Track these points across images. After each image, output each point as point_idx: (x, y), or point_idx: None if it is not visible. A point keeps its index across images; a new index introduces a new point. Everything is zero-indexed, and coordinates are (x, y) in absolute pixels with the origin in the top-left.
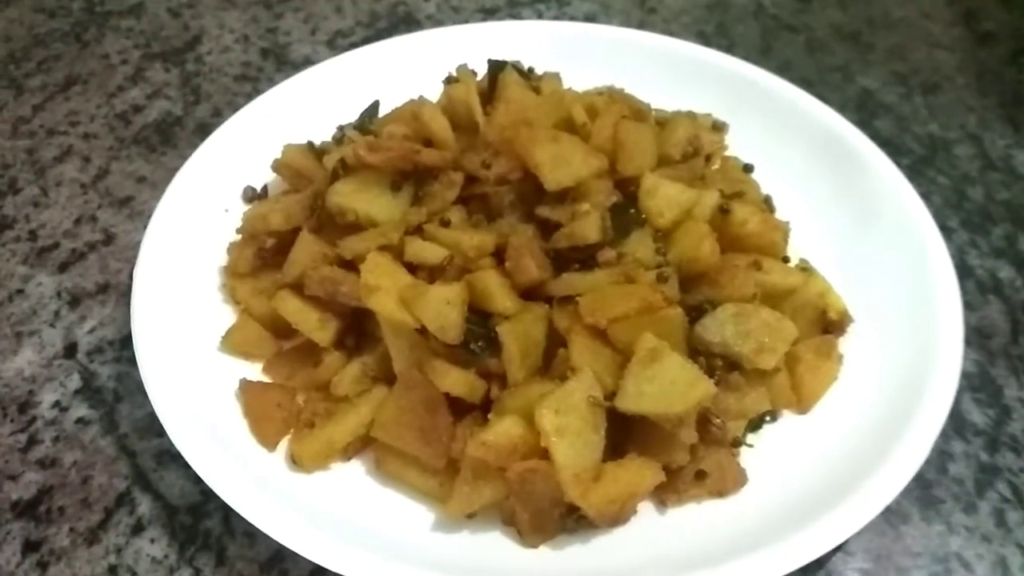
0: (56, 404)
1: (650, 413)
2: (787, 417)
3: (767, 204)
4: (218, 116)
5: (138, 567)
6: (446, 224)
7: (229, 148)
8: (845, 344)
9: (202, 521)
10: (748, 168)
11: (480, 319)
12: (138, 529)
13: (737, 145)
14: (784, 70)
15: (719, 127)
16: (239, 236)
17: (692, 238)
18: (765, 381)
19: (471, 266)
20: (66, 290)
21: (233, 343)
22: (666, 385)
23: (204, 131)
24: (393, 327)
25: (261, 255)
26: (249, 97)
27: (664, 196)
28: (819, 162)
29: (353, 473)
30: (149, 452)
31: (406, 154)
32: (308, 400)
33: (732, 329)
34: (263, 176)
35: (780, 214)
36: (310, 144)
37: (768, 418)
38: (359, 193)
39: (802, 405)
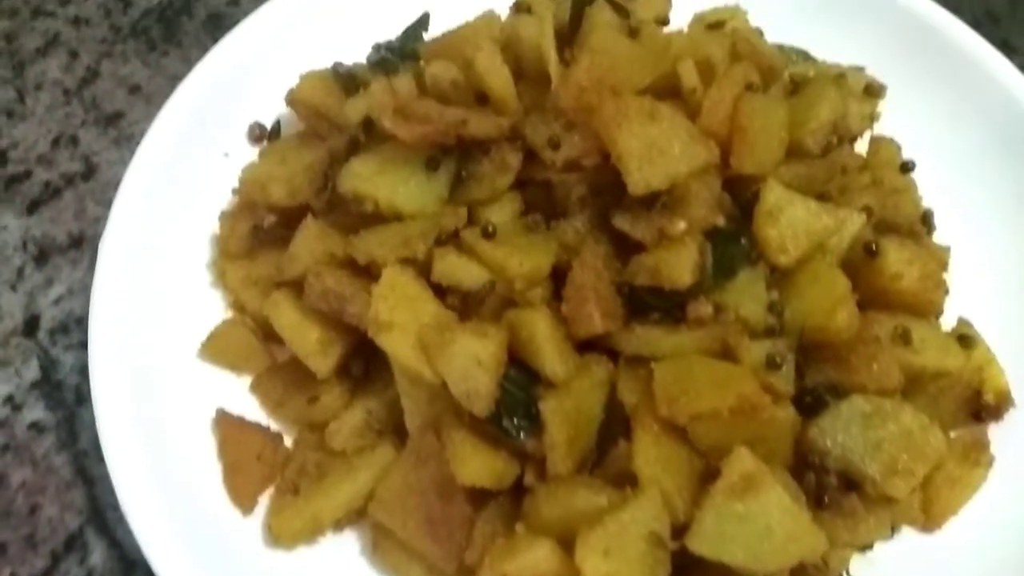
0: (8, 400)
1: (733, 564)
2: (907, 534)
3: (925, 222)
4: (235, 4)
5: None
6: (490, 235)
7: (242, 61)
8: (996, 434)
9: None
10: (907, 167)
11: (521, 377)
12: None
13: (889, 116)
14: None
15: (873, 91)
16: (234, 200)
17: (822, 297)
18: (890, 505)
19: (516, 297)
20: (33, 240)
21: (216, 350)
22: (760, 530)
23: (216, 24)
24: (407, 375)
25: (258, 235)
26: None
27: (791, 223)
28: (999, 154)
29: (345, 550)
30: (109, 481)
31: (449, 129)
32: (298, 443)
33: (859, 437)
34: (280, 104)
35: (939, 234)
36: (335, 71)
37: None
38: (382, 175)
39: (930, 523)
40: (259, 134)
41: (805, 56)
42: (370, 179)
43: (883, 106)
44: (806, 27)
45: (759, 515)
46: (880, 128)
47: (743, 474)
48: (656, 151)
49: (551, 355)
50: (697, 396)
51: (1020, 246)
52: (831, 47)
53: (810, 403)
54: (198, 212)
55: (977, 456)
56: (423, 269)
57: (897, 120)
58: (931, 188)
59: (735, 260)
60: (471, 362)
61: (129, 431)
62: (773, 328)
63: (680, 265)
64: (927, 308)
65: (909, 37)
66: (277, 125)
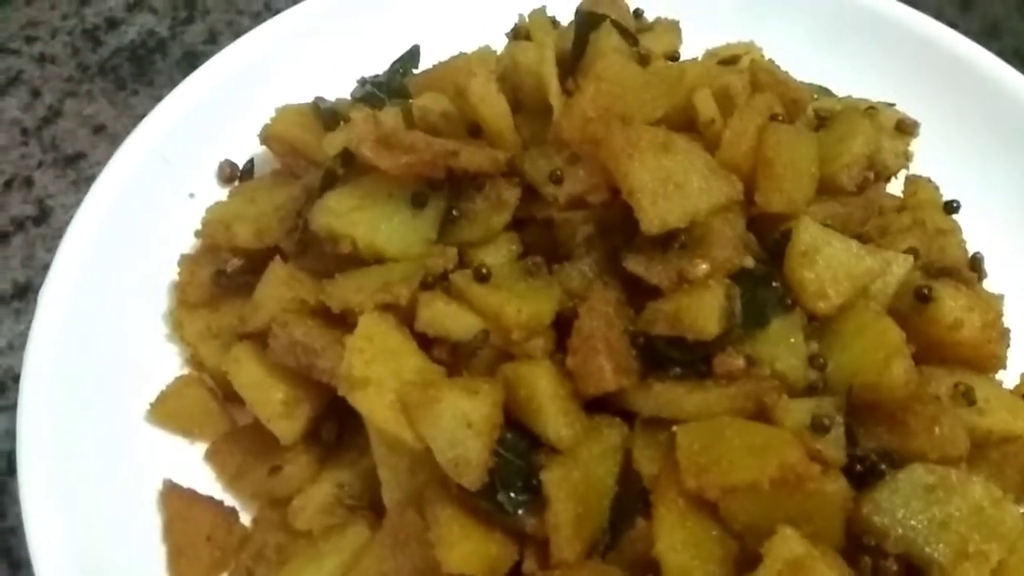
0: None
1: None
2: None
3: (975, 268)
4: (212, 43)
5: None
6: (484, 278)
7: (214, 97)
8: None
9: None
10: (952, 207)
11: (520, 442)
12: None
13: (923, 155)
14: (990, 36)
15: (906, 129)
16: (196, 244)
17: (872, 349)
18: None
19: (514, 349)
20: None
21: (167, 412)
22: None
23: (192, 63)
24: (386, 440)
25: (221, 281)
26: (258, 19)
27: (830, 264)
28: None
29: None
30: None
31: (437, 159)
32: (257, 522)
33: (922, 514)
34: (255, 143)
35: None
36: (315, 106)
37: None
38: (361, 212)
39: None
40: (230, 174)
41: (827, 93)
42: (347, 216)
43: (915, 146)
44: (826, 64)
45: None
46: (913, 170)
47: (789, 560)
48: (672, 185)
49: (555, 416)
50: (730, 465)
51: None
52: (853, 86)
53: (861, 473)
54: (157, 258)
55: None
56: (406, 317)
57: (930, 161)
58: (973, 232)
59: (767, 306)
60: (460, 424)
61: (56, 509)
62: (815, 385)
63: (704, 312)
64: (989, 363)
65: (938, 73)
66: (250, 165)
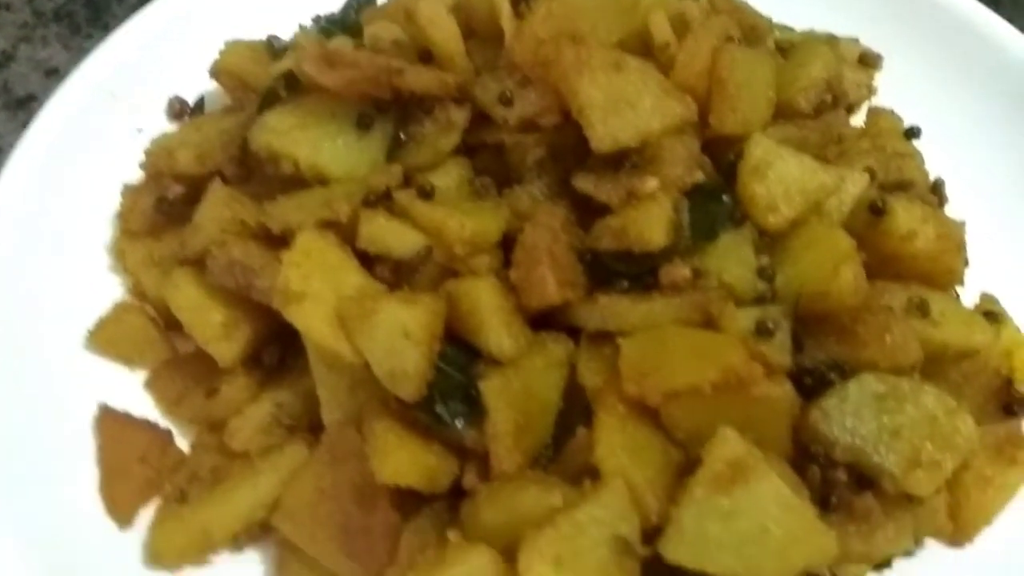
0: None
1: (718, 575)
2: (932, 547)
3: (936, 193)
4: None
5: None
6: (427, 194)
7: (165, 33)
8: None
9: None
10: (912, 133)
11: (461, 356)
12: None
13: (888, 90)
14: None
15: (869, 61)
16: (141, 175)
17: (822, 259)
18: (912, 507)
19: (458, 266)
20: None
21: (106, 339)
22: (753, 530)
23: None
24: (324, 357)
25: (163, 208)
26: None
27: (781, 179)
28: (1009, 125)
29: (245, 574)
30: None
31: (380, 74)
32: (195, 447)
33: (872, 422)
34: (205, 81)
35: (951, 207)
36: (269, 43)
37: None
38: (304, 130)
39: (959, 535)
40: (179, 110)
41: (790, 30)
42: (288, 134)
43: (879, 80)
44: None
45: (751, 511)
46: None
47: (730, 460)
48: (624, 103)
49: (496, 328)
50: (672, 370)
51: None
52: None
53: (811, 385)
54: (103, 191)
55: (1013, 453)
56: (348, 237)
57: (894, 95)
58: (937, 164)
59: (716, 220)
60: (397, 334)
61: None
62: (764, 295)
63: (651, 224)
64: (945, 277)
65: (898, 8)
66: (201, 101)
